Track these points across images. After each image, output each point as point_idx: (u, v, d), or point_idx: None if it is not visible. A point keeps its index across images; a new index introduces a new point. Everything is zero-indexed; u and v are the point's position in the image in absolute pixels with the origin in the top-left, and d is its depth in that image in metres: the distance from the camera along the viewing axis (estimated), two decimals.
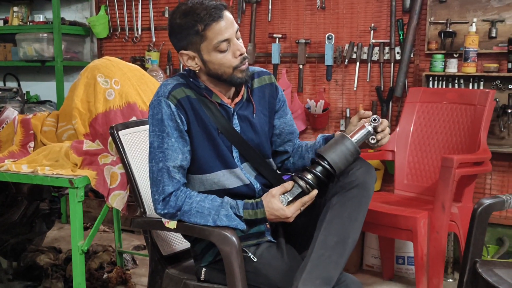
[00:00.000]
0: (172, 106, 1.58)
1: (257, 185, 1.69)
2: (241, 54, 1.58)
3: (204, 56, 1.58)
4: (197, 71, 1.63)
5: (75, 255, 1.92)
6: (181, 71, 2.38)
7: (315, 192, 1.54)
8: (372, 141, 1.58)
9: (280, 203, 1.54)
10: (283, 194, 1.55)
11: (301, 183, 1.53)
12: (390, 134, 1.66)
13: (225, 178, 1.65)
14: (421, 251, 2.29)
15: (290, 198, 1.54)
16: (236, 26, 1.59)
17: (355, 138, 1.56)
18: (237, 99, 1.67)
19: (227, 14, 1.57)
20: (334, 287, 1.50)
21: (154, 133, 1.60)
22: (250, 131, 1.68)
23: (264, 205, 1.55)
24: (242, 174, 1.67)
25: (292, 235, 1.72)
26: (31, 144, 2.19)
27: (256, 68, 1.78)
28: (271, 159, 1.77)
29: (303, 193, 1.55)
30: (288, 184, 1.56)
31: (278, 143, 1.80)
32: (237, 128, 1.67)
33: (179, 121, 1.59)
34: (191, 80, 1.65)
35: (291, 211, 1.54)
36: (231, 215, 1.56)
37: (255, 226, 1.61)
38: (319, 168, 1.53)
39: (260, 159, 1.70)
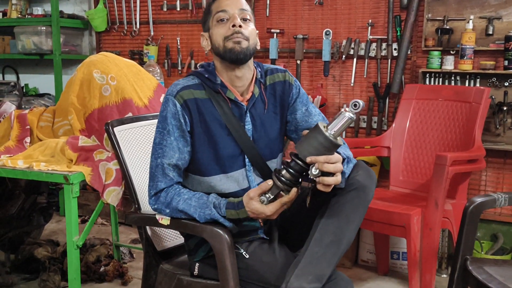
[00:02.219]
0: (178, 105, 1.60)
1: None
2: (234, 25, 1.59)
3: (211, 31, 1.65)
4: (207, 51, 1.69)
5: (70, 250, 1.94)
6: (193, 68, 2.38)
7: (293, 191, 1.51)
8: (314, 172, 1.45)
9: (258, 203, 1.53)
10: (264, 193, 1.53)
11: (278, 183, 1.50)
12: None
13: (221, 183, 1.66)
14: (414, 247, 2.31)
15: (271, 197, 1.53)
16: (243, 5, 1.63)
17: (331, 129, 1.45)
18: (247, 96, 1.67)
19: None
20: (325, 284, 1.52)
21: (158, 129, 1.64)
22: (261, 129, 1.68)
23: (244, 205, 1.56)
24: (243, 178, 1.67)
25: (286, 234, 1.73)
26: (27, 139, 2.20)
27: (271, 66, 1.78)
28: (279, 158, 1.76)
29: (280, 189, 1.52)
30: (265, 184, 1.53)
31: (296, 139, 1.77)
32: (249, 127, 1.66)
33: (182, 120, 1.61)
34: (207, 76, 1.66)
35: (271, 210, 1.53)
36: (215, 215, 1.57)
37: (242, 222, 1.62)
38: (293, 163, 1.50)
39: (264, 164, 1.69)
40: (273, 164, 1.72)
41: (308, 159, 1.44)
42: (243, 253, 1.63)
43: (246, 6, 1.65)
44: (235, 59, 1.61)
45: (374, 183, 1.59)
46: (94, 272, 2.83)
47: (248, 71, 1.66)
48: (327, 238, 1.52)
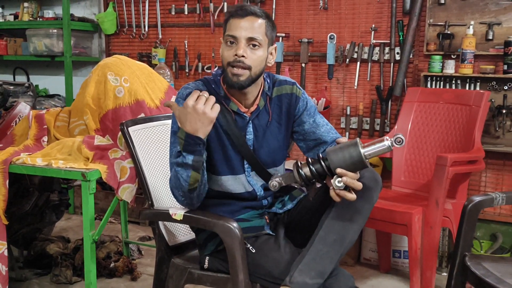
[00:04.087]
0: None
1: (260, 192, 1.80)
2: (236, 55, 1.64)
3: (222, 44, 1.71)
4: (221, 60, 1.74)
5: (87, 244, 2.03)
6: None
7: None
8: (338, 184, 1.51)
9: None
10: (278, 178, 1.60)
11: (296, 176, 1.57)
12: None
13: (229, 184, 1.76)
14: (415, 245, 2.39)
15: (283, 184, 1.60)
16: (255, 34, 1.64)
17: (367, 150, 1.51)
18: (252, 108, 1.76)
19: (253, 19, 1.65)
20: (326, 279, 1.60)
21: (172, 130, 1.70)
22: (263, 139, 1.77)
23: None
24: (246, 181, 1.77)
25: (292, 231, 1.81)
26: (45, 138, 2.30)
27: (281, 77, 1.85)
28: (282, 165, 1.85)
29: (294, 181, 1.59)
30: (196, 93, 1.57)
31: (305, 149, 1.85)
32: (250, 136, 1.76)
33: None
34: (213, 86, 1.74)
35: (190, 100, 1.54)
36: (179, 161, 1.60)
37: (199, 151, 1.60)
38: (317, 165, 1.56)
39: (263, 170, 1.77)
40: (274, 171, 1.81)
41: (338, 170, 1.51)
42: (250, 248, 1.71)
43: (257, 33, 1.65)
44: (233, 87, 1.69)
45: (379, 186, 1.66)
46: (105, 268, 2.91)
47: (254, 88, 1.74)
48: (331, 237, 1.60)
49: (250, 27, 1.65)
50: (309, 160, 1.59)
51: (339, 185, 1.51)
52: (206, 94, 1.56)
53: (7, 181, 2.12)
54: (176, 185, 1.65)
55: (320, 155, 1.58)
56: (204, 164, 1.65)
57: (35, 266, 2.96)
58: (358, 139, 1.54)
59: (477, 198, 1.97)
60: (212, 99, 1.56)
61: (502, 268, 1.85)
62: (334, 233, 1.61)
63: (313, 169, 1.57)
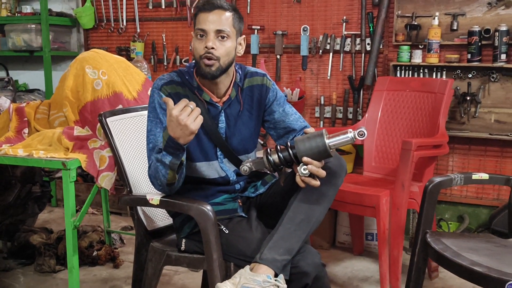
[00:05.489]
0: (163, 96, 1.78)
1: (233, 177, 1.91)
2: (206, 47, 1.73)
3: (193, 37, 1.80)
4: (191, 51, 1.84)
5: (69, 230, 2.12)
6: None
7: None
8: (304, 171, 1.61)
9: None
10: (248, 163, 1.71)
11: (266, 162, 1.69)
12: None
13: (203, 170, 1.87)
14: (383, 226, 2.52)
15: (253, 169, 1.71)
16: (222, 27, 1.73)
17: (331, 140, 1.62)
18: (224, 98, 1.86)
19: (221, 12, 1.75)
20: (294, 256, 1.70)
21: (149, 118, 1.81)
22: (234, 127, 1.87)
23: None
24: (219, 167, 1.88)
25: (263, 213, 1.92)
26: (26, 130, 2.37)
27: (252, 69, 1.95)
28: (253, 153, 1.96)
29: (264, 166, 1.70)
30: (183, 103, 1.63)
31: (276, 137, 1.97)
32: (222, 125, 1.86)
33: None
34: (187, 77, 1.84)
35: (175, 110, 1.61)
36: (158, 157, 1.70)
37: (177, 154, 1.69)
38: (285, 153, 1.67)
39: (235, 157, 1.88)
40: (246, 158, 1.90)
41: (304, 159, 1.62)
42: (223, 229, 1.81)
43: (225, 25, 1.75)
44: (206, 78, 1.79)
45: (344, 170, 1.78)
46: (87, 257, 3.00)
47: (225, 78, 1.84)
48: (298, 217, 1.71)
49: (218, 20, 1.74)
50: (278, 147, 1.69)
51: (304, 172, 1.62)
52: (192, 105, 1.63)
53: None
54: (155, 176, 1.75)
55: (289, 144, 1.69)
56: (184, 166, 1.74)
57: (19, 256, 3.03)
58: (324, 130, 1.65)
59: (437, 179, 2.10)
60: (197, 111, 1.63)
61: (460, 243, 1.98)
62: (301, 213, 1.71)
63: (281, 156, 1.67)
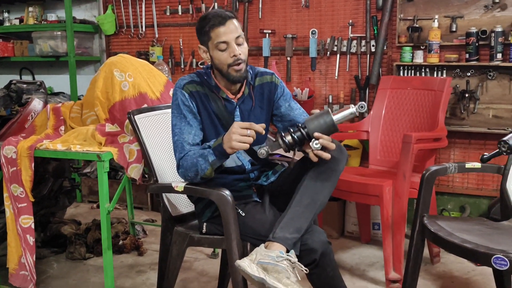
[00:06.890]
0: (186, 94, 2.02)
1: (248, 166, 2.13)
2: (234, 56, 1.97)
3: (210, 51, 2.02)
4: (209, 63, 2.05)
5: (103, 215, 2.36)
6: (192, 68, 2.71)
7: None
8: (316, 145, 1.81)
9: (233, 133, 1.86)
10: (264, 147, 1.89)
11: (281, 143, 1.89)
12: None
13: None
14: (386, 213, 2.73)
15: (270, 152, 1.91)
16: (238, 33, 1.96)
17: (337, 116, 1.83)
18: (239, 95, 2.09)
19: (232, 22, 1.97)
20: (303, 235, 1.91)
21: (173, 115, 2.03)
22: (248, 121, 2.04)
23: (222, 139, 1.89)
24: (236, 157, 2.09)
25: (275, 198, 2.13)
26: (62, 127, 2.63)
27: (261, 69, 2.18)
28: (265, 143, 2.14)
29: (280, 147, 1.90)
30: (258, 127, 1.86)
31: (282, 129, 2.18)
32: (237, 119, 2.08)
33: (191, 105, 2.02)
34: (205, 78, 2.07)
35: (238, 124, 1.85)
36: (204, 153, 1.92)
37: (221, 158, 1.91)
38: (298, 133, 1.87)
39: (250, 148, 2.01)
40: (259, 149, 2.09)
41: (316, 134, 1.84)
42: (240, 212, 2.02)
43: (239, 30, 1.97)
44: (234, 81, 2.02)
45: (344, 156, 1.99)
46: (114, 245, 3.23)
47: None
48: (305, 200, 1.92)
49: (234, 28, 1.97)
50: (290, 129, 1.90)
51: (316, 146, 1.83)
52: (251, 132, 1.83)
53: (33, 164, 2.46)
54: (189, 167, 1.95)
55: (300, 125, 1.89)
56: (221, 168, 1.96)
57: (52, 245, 3.27)
58: (329, 109, 1.86)
59: (433, 168, 2.31)
60: (248, 139, 1.84)
61: (454, 225, 2.17)
62: (308, 197, 1.92)
63: (295, 136, 1.87)
